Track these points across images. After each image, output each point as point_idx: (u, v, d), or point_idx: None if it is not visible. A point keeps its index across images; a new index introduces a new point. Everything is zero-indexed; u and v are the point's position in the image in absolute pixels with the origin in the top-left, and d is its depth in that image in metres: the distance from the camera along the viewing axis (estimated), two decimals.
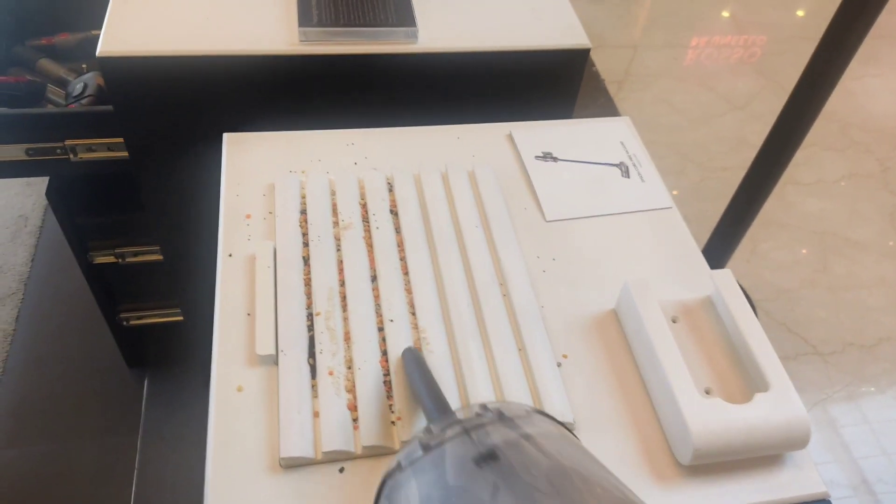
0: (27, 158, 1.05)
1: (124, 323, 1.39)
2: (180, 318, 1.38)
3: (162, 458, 1.42)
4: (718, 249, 1.64)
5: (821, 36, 1.23)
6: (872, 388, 1.78)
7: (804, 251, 2.08)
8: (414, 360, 0.55)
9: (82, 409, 1.49)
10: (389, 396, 0.55)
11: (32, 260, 1.72)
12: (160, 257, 1.24)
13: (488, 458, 0.36)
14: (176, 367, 1.53)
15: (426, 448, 0.39)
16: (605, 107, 2.41)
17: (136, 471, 1.39)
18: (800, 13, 3.05)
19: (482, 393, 0.55)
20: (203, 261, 1.11)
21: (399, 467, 0.39)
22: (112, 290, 1.32)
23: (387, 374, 0.56)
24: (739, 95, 2.56)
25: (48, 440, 1.43)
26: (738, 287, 0.61)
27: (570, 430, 0.44)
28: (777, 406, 0.54)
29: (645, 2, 3.04)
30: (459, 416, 0.42)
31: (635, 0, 3.04)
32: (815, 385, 1.79)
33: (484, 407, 0.41)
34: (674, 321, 0.61)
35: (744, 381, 0.58)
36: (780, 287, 1.96)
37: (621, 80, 2.58)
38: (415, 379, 0.52)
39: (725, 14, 2.99)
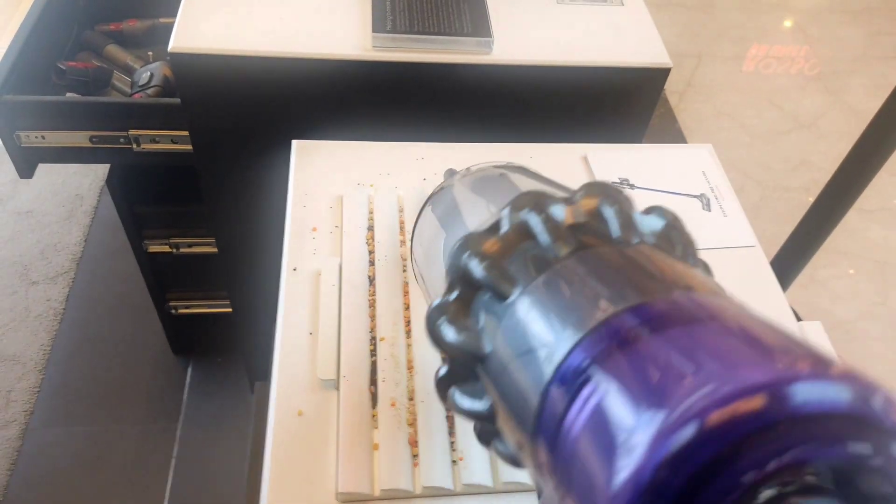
0: (90, 145, 1.05)
1: (172, 311, 1.40)
2: (228, 309, 1.38)
3: (200, 448, 1.42)
4: (780, 275, 1.57)
5: (893, 55, 1.16)
6: None
7: (864, 282, 2.00)
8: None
9: (125, 393, 1.50)
10: (452, 433, 0.53)
11: (86, 240, 1.74)
12: (215, 250, 1.24)
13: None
14: (220, 359, 1.54)
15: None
16: (665, 117, 2.35)
17: (173, 458, 1.40)
18: (870, 30, 2.94)
19: None
20: (258, 256, 1.11)
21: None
22: (163, 279, 1.33)
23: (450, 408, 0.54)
24: (805, 113, 2.48)
25: (90, 422, 1.45)
26: (828, 340, 0.57)
27: None
28: None
29: (711, 10, 2.95)
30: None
31: (701, 9, 2.96)
32: None
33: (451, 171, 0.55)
34: None
35: None
36: (837, 317, 1.89)
37: (682, 90, 2.52)
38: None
39: (792, 26, 2.90)
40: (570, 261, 0.32)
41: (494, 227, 0.34)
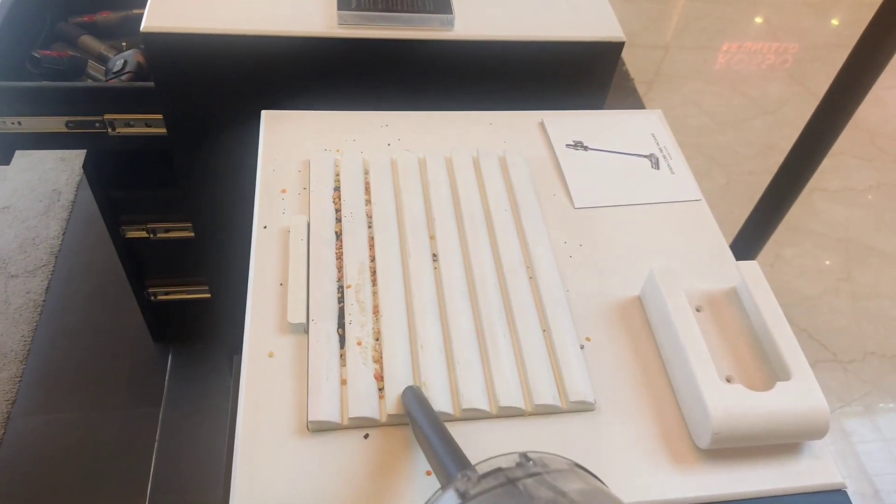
0: (67, 131, 1.08)
1: (152, 298, 1.42)
2: (207, 295, 1.40)
3: (182, 432, 1.45)
4: (742, 253, 1.63)
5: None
6: (891, 404, 1.77)
7: (828, 259, 2.07)
8: (419, 404, 0.50)
9: (107, 381, 1.52)
10: (415, 366, 0.56)
11: (64, 233, 1.76)
12: (192, 234, 1.27)
13: None
14: (200, 344, 1.56)
15: (464, 496, 0.38)
16: (634, 106, 2.41)
17: (156, 443, 1.42)
18: (834, 21, 3.02)
19: (506, 371, 0.56)
20: (234, 240, 1.14)
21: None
22: (142, 265, 1.35)
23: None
24: (770, 100, 2.55)
25: (73, 409, 1.47)
26: (764, 278, 0.62)
27: (586, 472, 0.42)
28: (798, 394, 0.54)
29: (678, 3, 3.02)
30: (485, 468, 0.39)
31: (668, 1, 3.03)
32: (833, 393, 1.78)
33: (525, 456, 0.40)
34: (698, 310, 0.62)
35: (765, 370, 0.58)
36: (802, 293, 1.95)
37: (651, 80, 2.57)
38: (425, 429, 0.48)
39: (759, 20, 2.97)
40: None
41: None
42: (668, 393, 0.58)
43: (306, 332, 0.58)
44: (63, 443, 1.42)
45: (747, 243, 1.62)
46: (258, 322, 0.59)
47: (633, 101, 2.46)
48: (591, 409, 0.56)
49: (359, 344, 0.57)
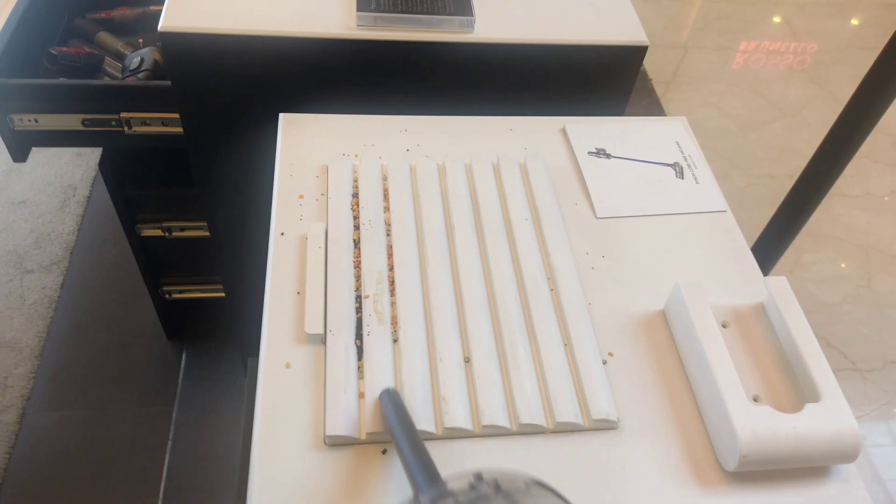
0: (83, 129, 1.07)
1: (166, 296, 1.42)
2: (222, 294, 1.40)
3: (195, 430, 1.45)
4: (762, 258, 1.61)
5: (878, 45, 1.20)
6: None
7: (848, 265, 2.04)
8: (395, 410, 0.49)
9: (121, 378, 1.52)
10: (434, 382, 0.55)
11: (79, 229, 1.76)
12: (207, 233, 1.26)
13: None
14: (213, 342, 1.56)
15: None
16: (651, 107, 2.38)
17: (170, 441, 1.42)
18: (854, 22, 2.97)
19: (527, 387, 0.55)
20: (249, 239, 1.13)
21: None
22: (157, 263, 1.35)
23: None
24: (790, 103, 2.51)
25: (87, 406, 1.47)
26: (793, 295, 0.60)
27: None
28: (828, 417, 0.53)
29: (697, 3, 2.99)
30: (451, 486, 0.39)
31: (688, 0, 2.99)
32: (852, 402, 1.75)
33: (479, 477, 0.40)
34: (724, 326, 0.60)
35: (793, 390, 0.57)
36: (822, 300, 1.92)
37: (669, 80, 2.55)
38: (398, 438, 0.47)
39: (778, 20, 2.93)
40: None
41: None
42: (693, 412, 0.56)
43: (324, 342, 0.57)
44: (76, 440, 1.42)
45: (767, 249, 1.59)
46: (275, 332, 0.58)
47: (650, 101, 2.43)
48: (615, 428, 0.55)
49: (377, 357, 0.56)
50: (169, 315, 1.49)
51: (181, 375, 1.50)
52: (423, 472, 0.44)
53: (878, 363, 1.82)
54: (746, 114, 2.45)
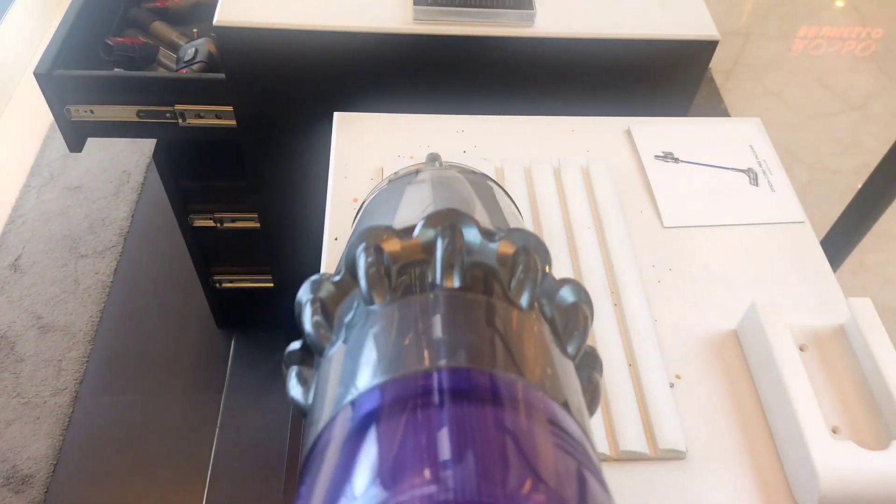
0: (138, 120, 1.07)
1: (217, 285, 1.42)
2: (271, 284, 1.40)
3: (243, 418, 1.45)
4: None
5: None
6: None
7: None
8: None
9: (171, 365, 1.54)
10: None
11: (133, 215, 1.78)
12: (257, 225, 1.26)
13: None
14: (262, 332, 1.56)
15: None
16: (711, 97, 2.30)
17: (217, 428, 1.43)
18: None
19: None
20: (299, 232, 1.12)
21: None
22: (208, 253, 1.35)
23: None
24: (856, 94, 2.40)
25: (137, 391, 1.49)
26: (878, 319, 0.56)
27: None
28: None
29: None
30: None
31: None
32: None
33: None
34: (801, 349, 0.56)
35: (877, 423, 0.53)
36: (886, 304, 1.84)
37: (730, 69, 2.46)
38: None
39: (842, 4, 2.80)
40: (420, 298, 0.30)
41: (404, 231, 0.33)
42: (767, 443, 0.53)
43: None
44: (128, 423, 1.44)
45: (832, 250, 1.53)
46: None
47: (709, 90, 2.35)
48: (682, 458, 0.52)
49: None
50: (219, 303, 1.49)
51: (230, 363, 1.51)
52: None
53: None
54: (809, 105, 2.35)
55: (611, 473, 0.51)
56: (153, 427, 1.45)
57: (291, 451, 1.42)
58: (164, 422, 1.46)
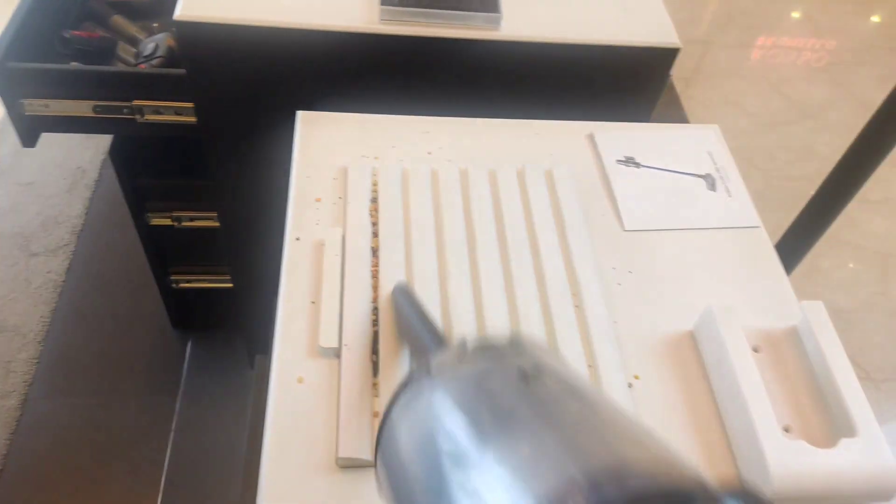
0: (94, 115, 1.05)
1: (174, 284, 1.40)
2: (229, 285, 1.38)
3: (199, 422, 1.43)
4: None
5: None
6: None
7: (865, 272, 2.00)
8: (403, 292, 0.53)
9: (125, 366, 1.50)
10: None
11: (87, 213, 1.74)
12: (216, 224, 1.24)
13: (530, 375, 0.32)
14: (219, 333, 1.54)
15: (461, 358, 0.35)
16: (671, 104, 2.34)
17: (172, 432, 1.41)
18: (875, 19, 2.92)
19: None
20: (259, 232, 1.11)
21: (426, 372, 0.34)
22: (165, 252, 1.33)
23: None
24: (812, 103, 2.47)
25: (89, 394, 1.45)
26: (829, 321, 0.57)
27: None
28: (865, 454, 0.50)
29: None
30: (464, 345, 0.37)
31: None
32: None
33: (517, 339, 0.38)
34: (755, 350, 0.58)
35: (827, 422, 0.54)
36: (837, 307, 1.89)
37: (689, 77, 2.50)
38: (406, 310, 0.50)
39: (799, 16, 2.88)
40: None
41: None
42: (721, 441, 0.54)
43: (338, 356, 0.55)
44: (79, 427, 1.41)
45: (786, 255, 1.56)
46: (288, 344, 0.55)
47: (670, 98, 2.39)
48: None
49: (393, 374, 0.54)
50: (176, 304, 1.47)
51: (186, 365, 1.49)
52: (434, 336, 0.45)
53: (891, 373, 1.79)
54: (766, 113, 2.41)
55: None
56: (106, 431, 1.42)
57: (250, 455, 1.40)
58: (117, 425, 1.43)
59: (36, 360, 1.47)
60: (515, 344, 0.35)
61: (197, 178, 1.18)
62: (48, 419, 1.41)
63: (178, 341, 1.53)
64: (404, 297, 0.53)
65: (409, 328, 0.49)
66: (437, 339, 0.45)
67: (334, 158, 0.69)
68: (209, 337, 1.54)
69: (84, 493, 1.33)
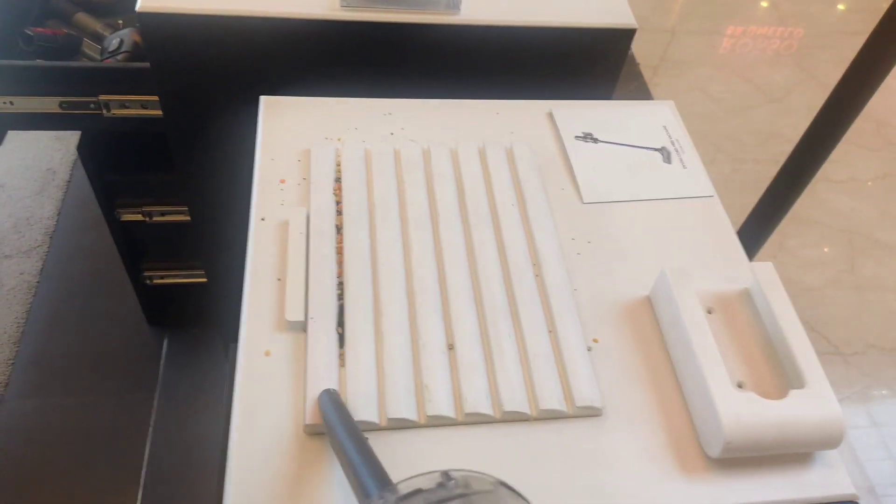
0: (60, 111, 1.05)
1: (147, 281, 1.40)
2: (204, 279, 1.38)
3: (177, 418, 1.43)
4: (747, 243, 1.61)
5: (865, 31, 1.19)
6: (885, 391, 1.76)
7: (831, 250, 2.05)
8: (337, 412, 0.47)
9: (101, 365, 1.50)
10: (416, 369, 0.54)
11: (59, 214, 1.73)
12: (188, 218, 1.25)
13: None
14: (195, 329, 1.54)
15: None
16: (638, 91, 2.37)
17: (150, 429, 1.41)
18: (841, 7, 2.98)
19: (511, 375, 0.54)
20: (230, 225, 1.11)
21: None
22: (137, 249, 1.33)
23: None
24: (776, 88, 2.51)
25: (66, 393, 1.45)
26: (779, 281, 0.60)
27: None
28: (812, 403, 0.53)
29: None
30: (405, 488, 0.37)
31: None
32: (833, 385, 1.76)
33: (447, 476, 0.38)
34: (709, 312, 0.60)
35: (778, 376, 0.56)
36: (805, 285, 1.93)
37: (657, 65, 2.54)
38: (343, 441, 0.45)
39: (765, 3, 2.93)
40: None
41: None
42: (677, 398, 0.56)
43: (305, 330, 0.56)
44: (56, 427, 1.41)
45: (752, 234, 1.60)
46: (255, 319, 0.57)
47: (638, 85, 2.42)
48: (598, 415, 0.54)
49: (359, 344, 0.55)
50: (150, 301, 1.47)
51: (163, 362, 1.49)
52: (376, 477, 0.41)
53: (859, 347, 1.84)
54: (732, 98, 2.45)
55: (531, 432, 0.53)
56: (84, 430, 1.42)
57: (225, 448, 1.40)
58: (95, 424, 1.42)
59: (11, 362, 1.46)
60: (445, 486, 0.37)
61: (166, 172, 1.18)
62: (25, 420, 1.40)
63: (153, 338, 1.53)
64: (337, 420, 0.47)
65: (345, 462, 0.45)
66: (379, 480, 0.42)
67: (298, 141, 0.70)
68: (185, 333, 1.54)
69: (63, 492, 1.33)
